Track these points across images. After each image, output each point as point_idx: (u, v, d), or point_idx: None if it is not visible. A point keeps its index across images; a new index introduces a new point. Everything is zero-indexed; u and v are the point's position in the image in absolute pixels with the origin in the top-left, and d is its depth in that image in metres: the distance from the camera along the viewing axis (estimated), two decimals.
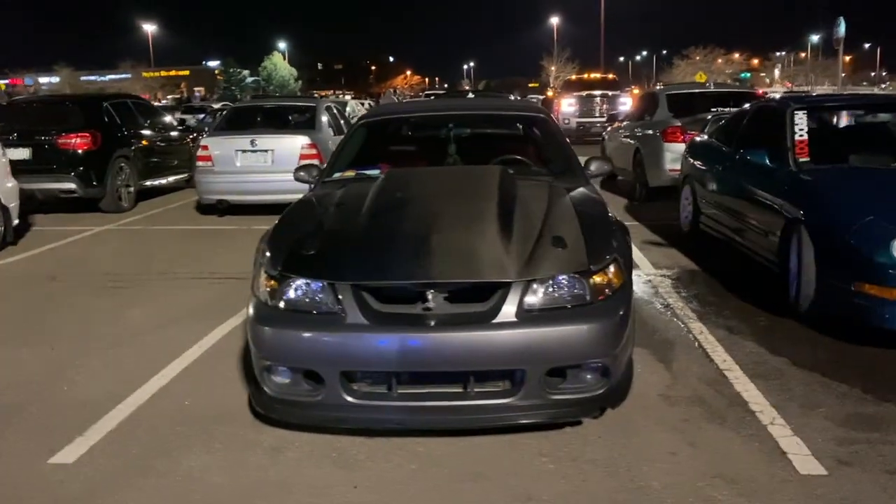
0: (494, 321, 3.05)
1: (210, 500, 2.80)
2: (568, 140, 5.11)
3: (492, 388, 3.16)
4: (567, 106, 22.29)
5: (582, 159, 4.78)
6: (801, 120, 5.45)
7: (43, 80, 75.90)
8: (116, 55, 76.30)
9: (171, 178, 11.15)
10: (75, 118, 9.65)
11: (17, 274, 6.71)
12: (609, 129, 12.70)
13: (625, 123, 11.65)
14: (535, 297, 3.13)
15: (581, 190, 4.29)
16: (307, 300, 3.21)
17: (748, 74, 79.64)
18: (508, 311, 3.07)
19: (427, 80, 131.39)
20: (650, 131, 9.93)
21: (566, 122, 21.95)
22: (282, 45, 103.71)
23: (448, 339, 3.04)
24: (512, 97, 33.51)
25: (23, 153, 9.22)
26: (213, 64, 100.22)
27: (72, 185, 9.35)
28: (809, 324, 4.59)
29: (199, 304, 5.43)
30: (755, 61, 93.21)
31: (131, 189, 10.20)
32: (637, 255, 6.76)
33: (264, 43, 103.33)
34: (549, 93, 36.70)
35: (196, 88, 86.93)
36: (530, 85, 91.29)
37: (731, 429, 3.29)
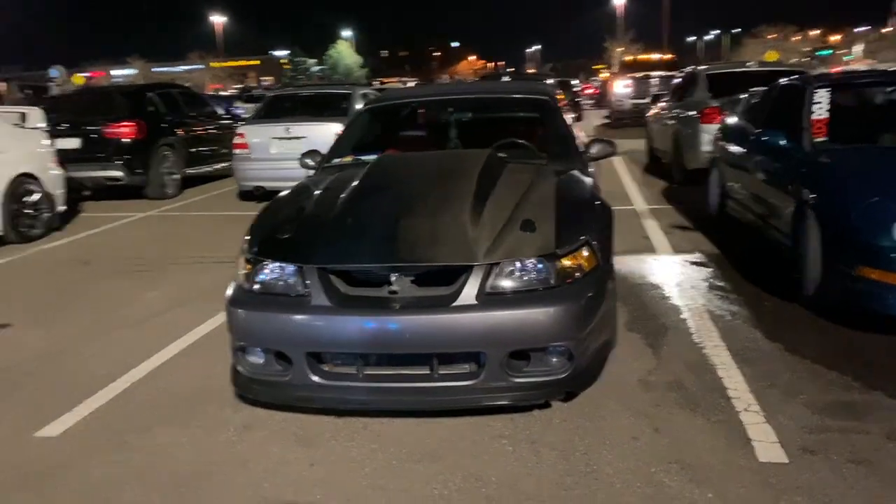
0: (455, 304, 3.08)
1: (169, 474, 2.91)
2: (570, 121, 5.06)
3: (457, 370, 3.18)
4: (621, 87, 21.85)
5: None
6: (821, 98, 5.25)
7: (118, 72, 78.75)
8: (187, 47, 78.45)
9: (216, 166, 11.46)
10: (121, 108, 10.03)
11: (55, 258, 7.04)
12: (653, 110, 12.43)
13: (666, 104, 11.39)
14: (497, 281, 3.13)
15: (573, 173, 4.24)
16: (278, 283, 3.30)
17: (828, 52, 76.22)
18: (469, 294, 3.08)
19: (492, 64, 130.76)
20: (688, 112, 9.68)
21: (619, 103, 21.58)
22: (347, 33, 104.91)
23: (408, 321, 3.08)
24: (575, 81, 33.25)
25: (73, 142, 9.64)
26: (280, 53, 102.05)
27: (118, 173, 9.73)
28: (816, 310, 4.44)
29: (215, 287, 5.56)
30: (836, 37, 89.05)
31: (176, 176, 10.54)
32: (659, 238, 6.66)
33: (330, 31, 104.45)
34: (605, 74, 36.04)
35: (263, 78, 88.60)
36: (595, 67, 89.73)
37: (701, 415, 3.23)
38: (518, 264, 3.18)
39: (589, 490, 2.69)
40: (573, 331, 3.13)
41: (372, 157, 4.54)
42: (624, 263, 5.79)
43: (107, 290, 5.76)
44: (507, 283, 3.14)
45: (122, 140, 9.73)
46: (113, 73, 77.67)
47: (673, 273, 5.49)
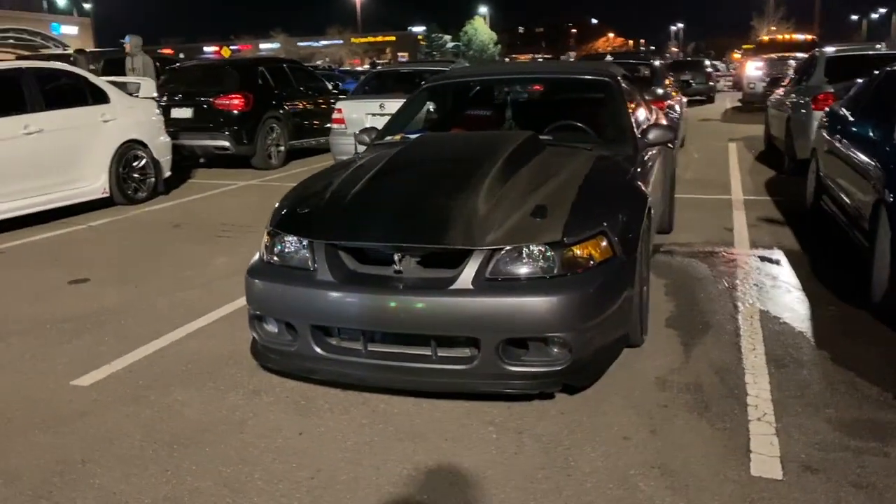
0: (451, 288, 3.06)
1: (170, 430, 3.09)
2: (632, 105, 4.84)
3: (456, 353, 3.17)
4: (753, 69, 20.64)
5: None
6: None
7: (265, 46, 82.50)
8: (327, 21, 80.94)
9: (321, 139, 11.81)
10: (232, 81, 10.53)
11: (151, 220, 7.54)
12: (773, 94, 11.69)
13: (785, 88, 10.68)
14: (499, 266, 3.09)
15: (615, 159, 4.10)
16: (292, 256, 3.40)
17: None
18: (466, 278, 3.06)
19: (631, 42, 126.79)
20: (802, 98, 9.04)
21: (751, 86, 20.42)
22: (483, 9, 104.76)
23: (404, 302, 3.10)
24: (714, 63, 31.47)
25: (186, 112, 10.26)
26: (417, 29, 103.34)
27: (225, 143, 10.25)
28: (883, 318, 4.09)
29: None
30: None
31: (281, 148, 10.98)
32: (742, 231, 6.31)
33: (467, 7, 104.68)
34: (737, 55, 34.04)
35: (400, 53, 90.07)
36: (744, 47, 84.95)
37: (708, 420, 3.06)
38: (522, 251, 3.12)
39: (556, 486, 2.62)
40: (573, 322, 3.04)
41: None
42: (691, 256, 5.55)
43: (185, 252, 6.11)
44: (509, 269, 3.10)
45: (231, 111, 10.22)
46: (261, 46, 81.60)
47: (740, 269, 5.19)
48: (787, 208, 7.20)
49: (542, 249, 3.11)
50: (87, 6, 66.48)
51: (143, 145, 8.26)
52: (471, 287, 3.04)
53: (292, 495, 2.60)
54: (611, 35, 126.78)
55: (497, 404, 3.22)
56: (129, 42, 9.81)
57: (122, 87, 8.43)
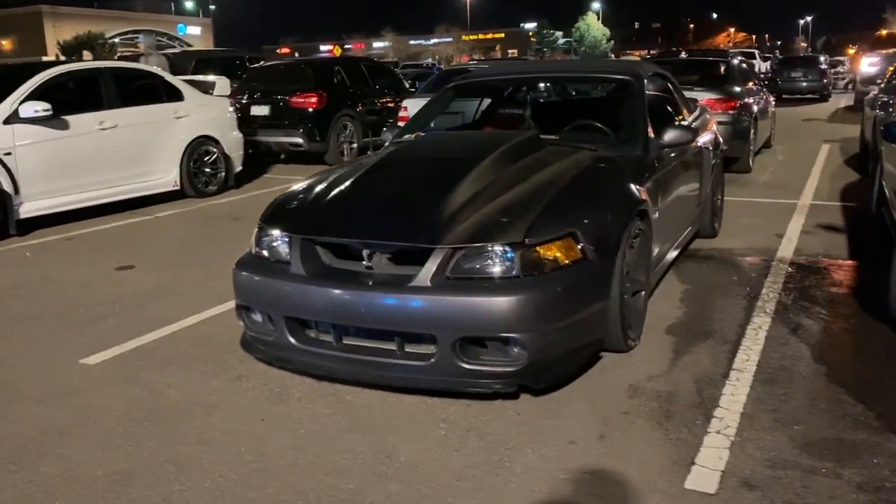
0: (410, 285, 3.12)
1: (149, 409, 3.30)
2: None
3: (420, 350, 3.23)
4: (867, 66, 19.37)
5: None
6: None
7: (377, 44, 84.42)
8: (437, 19, 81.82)
9: None
10: (307, 80, 10.91)
11: (214, 213, 7.94)
12: (870, 94, 10.98)
13: (880, 88, 10.02)
14: (461, 265, 3.13)
15: (618, 161, 4.04)
16: (274, 250, 3.55)
17: None
18: (425, 276, 3.11)
19: (754, 37, 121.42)
20: (889, 96, 8.46)
21: (864, 83, 19.15)
22: (596, 4, 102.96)
23: (365, 298, 3.18)
24: (837, 59, 29.68)
25: (263, 110, 10.71)
26: (528, 26, 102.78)
27: (298, 140, 10.62)
28: None
29: None
30: None
31: (354, 145, 11.28)
32: (793, 238, 6.01)
33: (580, 3, 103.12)
34: (851, 50, 31.98)
35: (510, 51, 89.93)
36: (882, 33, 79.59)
37: (665, 430, 2.99)
38: (483, 250, 3.14)
39: (479, 485, 2.64)
40: (529, 323, 3.04)
41: None
42: (724, 262, 5.36)
43: (235, 243, 6.38)
44: (469, 269, 3.12)
45: (305, 109, 10.59)
46: (374, 45, 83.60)
47: (770, 278, 4.96)
48: (855, 215, 6.81)
49: (503, 250, 3.12)
50: (212, 7, 69.88)
51: (215, 141, 8.71)
52: (428, 285, 3.09)
53: (228, 476, 2.74)
54: (732, 30, 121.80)
55: (458, 402, 3.25)
56: (143, 42, 10.17)
57: (198, 85, 8.92)
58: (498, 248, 3.12)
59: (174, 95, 8.39)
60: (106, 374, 3.70)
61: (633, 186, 3.86)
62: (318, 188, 3.77)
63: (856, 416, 3.06)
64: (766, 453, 2.79)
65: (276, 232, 3.55)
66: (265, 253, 3.58)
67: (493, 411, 3.18)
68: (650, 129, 4.42)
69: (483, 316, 3.04)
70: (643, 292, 3.95)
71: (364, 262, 3.30)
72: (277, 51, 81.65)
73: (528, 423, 3.08)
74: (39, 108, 6.77)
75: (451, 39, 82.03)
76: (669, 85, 5.47)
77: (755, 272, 5.11)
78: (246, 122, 10.58)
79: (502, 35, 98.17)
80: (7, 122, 6.69)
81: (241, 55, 13.78)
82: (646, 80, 4.78)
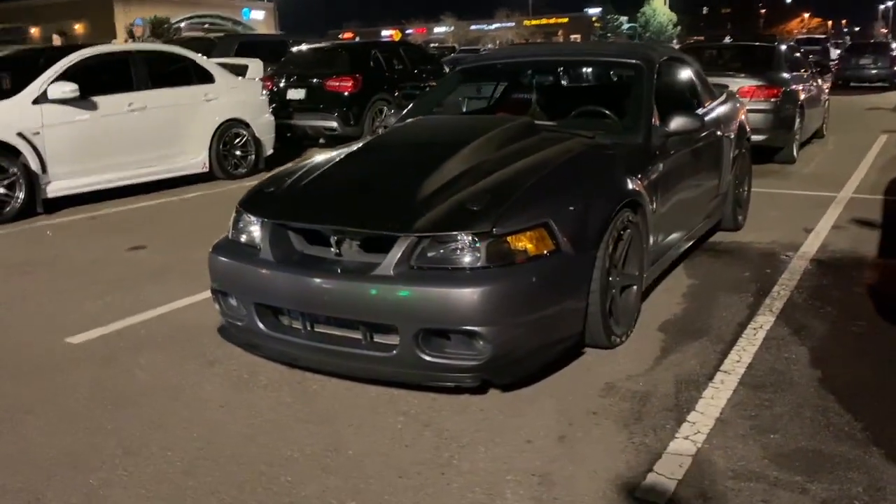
0: (373, 273, 3.03)
1: (119, 389, 3.30)
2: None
3: (385, 341, 3.14)
4: None
5: None
6: None
7: (438, 29, 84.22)
8: (496, 4, 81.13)
9: None
10: (343, 64, 10.88)
11: (240, 195, 7.96)
12: None
13: None
14: (424, 254, 3.02)
15: (613, 149, 3.87)
16: (247, 234, 3.50)
17: None
18: (388, 264, 3.02)
19: (830, 23, 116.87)
20: None
21: None
22: None
23: (327, 286, 3.10)
24: None
25: (299, 94, 10.73)
26: (592, 11, 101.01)
27: (333, 124, 10.61)
28: None
29: None
30: None
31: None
32: (822, 233, 5.71)
33: None
34: None
35: (573, 36, 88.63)
36: None
37: (630, 433, 2.84)
38: (449, 240, 3.02)
39: (422, 483, 2.55)
40: (492, 317, 2.92)
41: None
42: (739, 256, 5.12)
43: None
44: (433, 258, 3.02)
45: (340, 93, 10.57)
46: (435, 30, 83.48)
47: (786, 274, 4.70)
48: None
49: (470, 239, 3.00)
50: None
51: (245, 124, 8.76)
52: (390, 273, 3.00)
53: (172, 462, 2.71)
54: (806, 15, 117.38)
55: (423, 396, 3.16)
56: (141, 25, 9.87)
57: (232, 68, 8.97)
58: (465, 238, 3.00)
59: (205, 78, 8.46)
60: (86, 353, 3.73)
61: (624, 176, 3.68)
62: (298, 173, 3.71)
63: (840, 426, 2.85)
64: (732, 463, 2.62)
65: (250, 217, 3.50)
66: (239, 237, 3.54)
67: (457, 406, 3.08)
68: (655, 117, 4.21)
69: (444, 307, 2.93)
70: (635, 287, 3.78)
71: (332, 249, 3.22)
72: (340, 35, 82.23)
73: (489, 420, 2.96)
74: (67, 89, 6.90)
75: (512, 24, 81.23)
76: (689, 70, 5.22)
77: (771, 268, 4.85)
78: (282, 106, 10.65)
79: (565, 20, 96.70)
80: (36, 102, 6.84)
81: (285, 39, 13.83)
82: (657, 66, 4.56)
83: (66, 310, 4.37)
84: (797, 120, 8.96)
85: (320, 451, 2.77)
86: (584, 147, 3.79)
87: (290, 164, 4.03)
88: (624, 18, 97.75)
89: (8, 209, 6.62)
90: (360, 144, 3.85)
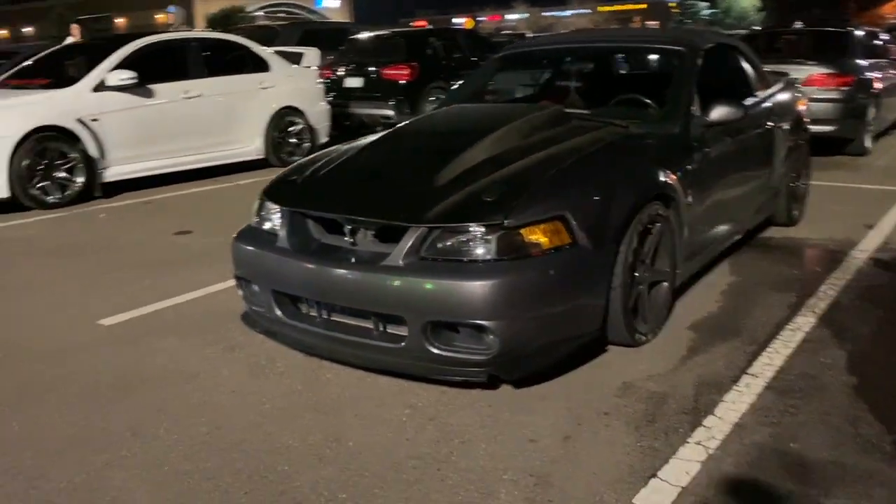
0: (382, 264, 3.00)
1: (135, 373, 3.36)
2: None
3: (397, 331, 3.10)
4: None
5: None
6: None
7: (511, 16, 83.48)
8: None
9: None
10: (400, 52, 10.86)
11: None
12: None
13: None
14: (434, 245, 2.97)
15: (647, 139, 3.73)
16: (268, 222, 3.51)
17: None
18: (397, 255, 2.98)
19: None
20: None
21: None
22: None
23: (337, 275, 3.08)
24: None
25: (357, 82, 10.79)
26: None
27: (388, 112, 10.61)
28: None
29: None
30: None
31: None
32: (883, 231, 5.39)
33: None
34: None
35: (649, 22, 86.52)
36: None
37: (641, 435, 2.73)
38: (460, 231, 2.95)
39: (416, 478, 2.50)
40: (500, 311, 2.84)
41: None
42: (790, 253, 4.89)
43: None
44: (443, 249, 2.96)
45: (396, 81, 10.56)
46: (507, 17, 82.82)
47: (837, 273, 4.45)
48: None
49: (481, 231, 2.92)
50: None
51: (300, 112, 8.85)
52: (399, 264, 2.95)
53: (175, 447, 2.73)
54: None
55: (434, 388, 3.11)
56: (173, 13, 9.88)
57: (290, 56, 9.08)
58: (475, 229, 2.93)
59: (261, 66, 8.58)
60: (113, 336, 3.82)
61: (654, 167, 3.54)
62: (321, 162, 3.70)
63: (869, 437, 2.67)
64: (742, 471, 2.48)
65: (271, 204, 3.51)
66: (261, 225, 3.55)
67: (465, 401, 3.02)
68: (695, 106, 4.03)
69: (452, 300, 2.87)
70: (666, 284, 3.63)
71: (346, 238, 3.20)
72: (411, 23, 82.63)
73: (495, 417, 2.89)
74: (125, 76, 7.10)
75: (588, 11, 79.80)
76: (740, 57, 4.98)
77: (822, 266, 4.61)
78: (341, 94, 10.73)
79: (643, 6, 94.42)
80: (96, 89, 7.07)
81: (348, 28, 13.93)
82: (702, 53, 4.37)
83: (105, 292, 4.49)
84: (871, 110, 8.50)
85: (321, 440, 2.75)
86: (614, 137, 3.66)
87: (317, 153, 4.02)
88: (704, 4, 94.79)
89: (68, 192, 6.86)
90: (386, 133, 3.81)
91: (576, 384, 3.14)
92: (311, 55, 9.43)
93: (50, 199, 6.73)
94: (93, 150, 6.99)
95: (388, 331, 3.08)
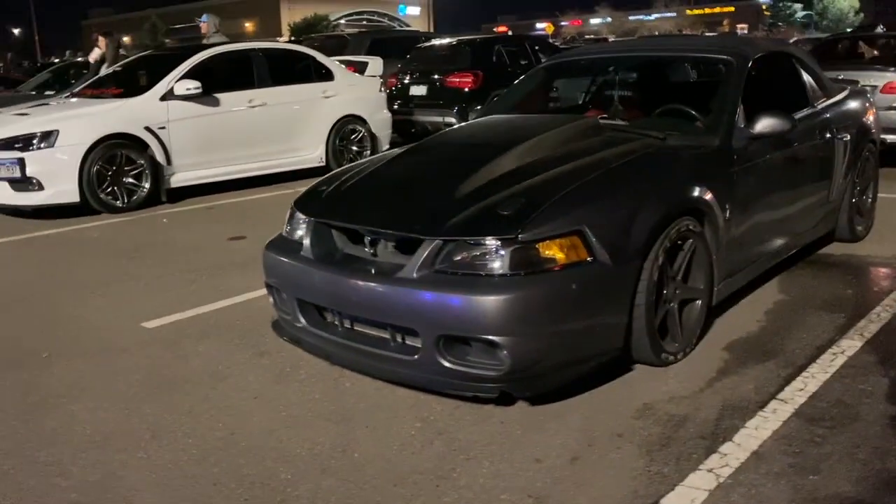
0: (397, 276, 3.01)
1: (167, 375, 3.48)
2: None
3: (413, 343, 3.11)
4: None
5: None
6: None
7: (595, 21, 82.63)
8: None
9: None
10: (464, 60, 10.86)
11: None
12: None
13: None
14: (449, 258, 2.96)
15: (684, 152, 3.64)
16: (296, 232, 3.58)
17: None
18: (412, 267, 2.99)
19: None
20: None
21: None
22: None
23: (354, 286, 3.11)
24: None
25: (421, 90, 10.87)
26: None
27: (452, 120, 10.59)
28: None
29: None
30: None
31: None
32: None
33: None
34: None
35: (739, 26, 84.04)
36: None
37: (651, 460, 2.64)
38: (475, 244, 2.94)
39: (414, 493, 2.50)
40: (513, 327, 2.82)
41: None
42: (848, 271, 4.66)
43: None
44: (457, 262, 2.95)
45: (460, 89, 10.57)
46: (590, 21, 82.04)
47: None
48: None
49: (496, 245, 2.90)
50: None
51: (362, 120, 8.98)
52: (413, 276, 2.96)
53: (189, 450, 2.81)
54: None
55: (446, 402, 3.10)
56: (207, 22, 9.29)
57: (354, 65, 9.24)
58: (490, 243, 2.91)
59: (325, 75, 8.76)
60: (154, 337, 3.96)
61: (687, 181, 3.44)
62: (351, 172, 3.75)
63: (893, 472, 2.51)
64: (750, 503, 2.37)
65: (300, 215, 3.58)
66: (291, 235, 3.62)
67: (478, 416, 3.00)
68: (740, 117, 3.89)
69: (464, 314, 2.86)
70: (699, 302, 3.52)
71: (366, 249, 3.23)
72: (494, 29, 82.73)
73: (505, 434, 2.86)
74: (191, 86, 7.36)
75: (674, 15, 78.18)
76: (797, 66, 4.78)
77: (880, 286, 4.37)
78: (406, 102, 10.84)
79: (731, 9, 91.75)
80: (163, 98, 7.36)
81: (418, 35, 14.05)
82: (751, 62, 4.21)
83: (153, 295, 4.66)
84: None
85: (328, 450, 2.78)
86: (647, 149, 3.57)
87: (350, 164, 4.08)
88: (798, 6, 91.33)
89: (135, 198, 7.17)
90: (416, 144, 3.83)
91: (594, 403, 3.07)
92: (375, 64, 9.57)
93: (118, 203, 7.04)
94: (160, 157, 7.28)
95: (403, 343, 3.09)
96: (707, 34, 40.78)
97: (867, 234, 5.36)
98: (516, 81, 5.01)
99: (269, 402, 3.19)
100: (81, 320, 4.29)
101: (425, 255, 2.96)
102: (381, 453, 2.75)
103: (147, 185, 7.21)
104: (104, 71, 9.15)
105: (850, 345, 3.54)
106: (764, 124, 3.84)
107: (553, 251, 2.90)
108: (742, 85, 4.06)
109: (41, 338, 4.00)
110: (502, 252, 2.88)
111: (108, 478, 2.65)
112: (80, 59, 14.44)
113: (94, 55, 9.87)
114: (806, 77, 4.80)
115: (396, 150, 3.94)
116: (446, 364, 2.93)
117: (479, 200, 3.08)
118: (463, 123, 4.38)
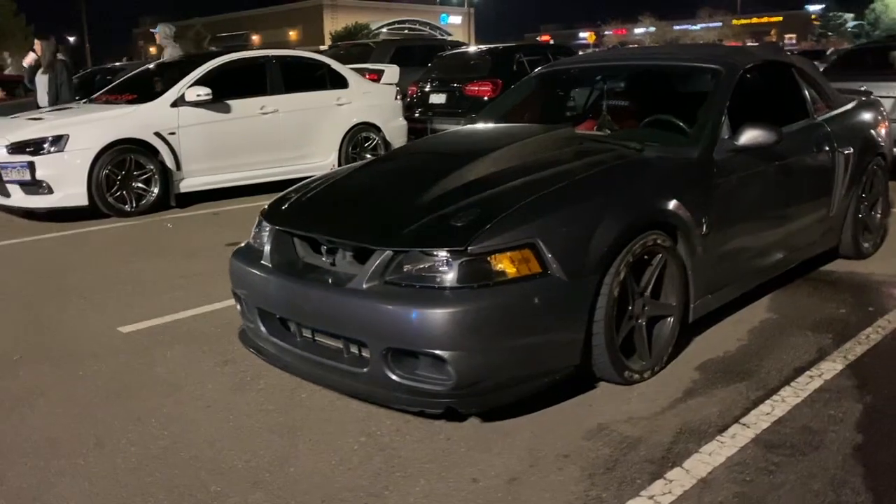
0: (347, 286, 2.96)
1: (130, 381, 3.47)
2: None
3: (362, 355, 3.05)
4: None
5: None
6: None
7: (639, 30, 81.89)
8: (698, 3, 77.28)
9: None
10: (484, 69, 10.82)
11: None
12: None
13: None
14: (399, 269, 2.90)
15: (659, 163, 3.53)
16: (259, 240, 3.55)
17: None
18: (361, 278, 2.93)
19: None
20: None
21: None
22: None
23: (306, 295, 3.08)
24: None
25: (440, 98, 10.85)
26: (813, 8, 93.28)
27: None
28: None
29: None
30: None
31: None
32: None
33: None
34: None
35: (787, 36, 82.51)
36: None
37: (591, 484, 2.54)
38: (424, 256, 2.87)
39: None
40: (458, 342, 2.74)
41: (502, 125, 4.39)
42: (849, 289, 4.48)
43: None
44: (406, 274, 2.88)
45: (479, 97, 10.51)
46: (634, 31, 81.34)
47: (892, 315, 4.02)
48: None
49: (445, 257, 2.83)
50: None
51: (377, 128, 8.98)
52: (362, 287, 2.90)
53: (130, 458, 2.79)
54: None
55: (397, 417, 3.03)
56: (159, 32, 9.30)
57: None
58: (440, 255, 2.84)
59: (339, 83, 8.78)
60: (126, 343, 3.97)
61: (657, 194, 3.32)
62: (318, 181, 3.71)
63: (856, 490, 2.37)
64: None
65: (264, 223, 3.55)
66: (255, 243, 3.59)
67: (424, 433, 2.92)
68: (724, 128, 3.76)
69: (408, 327, 2.79)
70: (671, 318, 3.40)
71: (324, 258, 3.19)
72: (536, 39, 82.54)
73: (449, 451, 2.78)
74: (202, 92, 7.44)
75: (719, 24, 77.07)
76: (795, 76, 4.61)
77: (877, 306, 4.17)
78: (425, 110, 10.82)
79: (779, 18, 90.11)
80: (174, 105, 7.44)
81: (444, 44, 14.03)
82: (741, 72, 4.07)
83: (137, 299, 4.69)
84: None
85: (265, 463, 2.73)
86: (616, 161, 3.46)
87: (321, 174, 4.05)
88: (849, 16, 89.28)
89: (144, 202, 7.26)
90: (386, 153, 3.79)
91: (547, 422, 2.97)
92: (391, 72, 9.56)
93: (126, 207, 7.13)
94: (169, 162, 7.36)
95: (356, 355, 3.04)
96: (749, 43, 40.00)
97: (875, 251, 5.15)
98: (508, 90, 4.93)
99: (219, 411, 3.16)
100: (61, 324, 4.32)
101: (375, 265, 2.90)
102: (318, 468, 2.70)
103: (156, 190, 7.29)
104: (39, 75, 8.89)
105: (829, 367, 3.38)
106: (748, 136, 3.71)
107: (504, 264, 2.82)
108: (728, 95, 3.93)
109: (16, 341, 4.04)
110: (452, 264, 2.80)
111: (40, 485, 2.64)
112: (108, 65, 14.64)
113: (29, 59, 9.28)
114: (805, 87, 4.63)
115: (369, 159, 3.90)
116: (394, 378, 2.87)
117: (435, 211, 3.02)
118: (441, 132, 4.31)
